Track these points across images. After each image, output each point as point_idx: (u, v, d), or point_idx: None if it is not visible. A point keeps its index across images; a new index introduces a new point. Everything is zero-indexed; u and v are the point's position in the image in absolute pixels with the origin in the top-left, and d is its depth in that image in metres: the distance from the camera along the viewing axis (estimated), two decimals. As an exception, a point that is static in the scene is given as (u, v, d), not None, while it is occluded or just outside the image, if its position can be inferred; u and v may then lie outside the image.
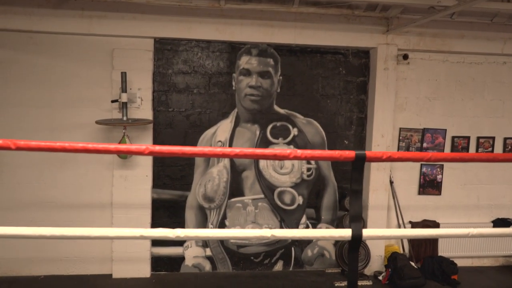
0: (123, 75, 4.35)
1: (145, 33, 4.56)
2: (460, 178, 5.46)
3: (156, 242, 4.89)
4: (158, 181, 4.89)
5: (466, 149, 5.40)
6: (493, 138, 5.45)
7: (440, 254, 5.31)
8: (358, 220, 1.78)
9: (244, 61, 4.92)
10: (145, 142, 4.72)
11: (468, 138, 5.40)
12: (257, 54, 4.93)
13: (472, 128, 5.42)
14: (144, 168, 4.75)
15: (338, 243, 5.16)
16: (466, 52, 5.24)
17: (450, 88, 5.32)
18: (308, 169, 5.12)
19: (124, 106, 4.32)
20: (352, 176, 1.82)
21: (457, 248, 5.41)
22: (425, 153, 2.15)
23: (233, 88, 4.95)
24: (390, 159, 2.07)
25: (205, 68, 4.89)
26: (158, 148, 1.64)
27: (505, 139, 5.48)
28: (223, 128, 4.96)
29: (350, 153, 1.78)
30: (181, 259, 4.98)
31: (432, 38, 5.06)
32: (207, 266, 5.04)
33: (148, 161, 4.76)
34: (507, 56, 5.32)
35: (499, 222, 5.46)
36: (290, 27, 4.77)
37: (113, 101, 4.38)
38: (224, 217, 4.98)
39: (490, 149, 5.46)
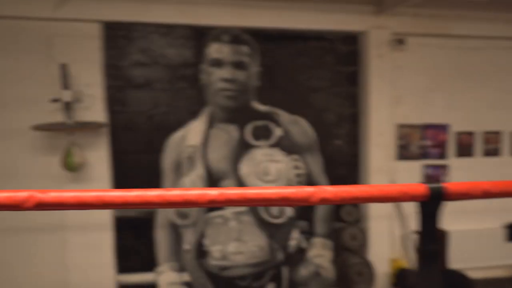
0: (64, 67, 3.59)
1: (90, 16, 3.79)
2: (468, 179, 4.79)
3: (123, 268, 4.10)
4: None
5: (471, 146, 4.78)
6: (498, 133, 4.85)
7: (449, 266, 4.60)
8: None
9: (214, 50, 4.19)
10: (99, 150, 3.94)
11: (472, 133, 4.78)
12: (230, 40, 4.17)
13: (476, 123, 4.79)
14: (100, 182, 3.97)
15: (339, 260, 4.42)
16: (467, 36, 4.63)
17: (451, 77, 4.69)
18: (297, 175, 4.39)
19: (68, 107, 3.56)
20: (423, 228, 1.12)
21: (468, 258, 4.71)
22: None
23: (203, 82, 4.22)
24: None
25: (167, 59, 4.12)
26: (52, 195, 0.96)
27: (514, 133, 4.89)
28: (194, 130, 4.20)
29: (416, 188, 1.06)
30: (153, 287, 4.19)
31: (429, 19, 4.44)
32: (183, 295, 4.26)
33: (104, 173, 3.98)
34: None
35: (514, 227, 4.79)
36: (266, 8, 4.09)
37: (53, 101, 3.60)
38: (203, 235, 4.21)
39: (497, 144, 4.86)
